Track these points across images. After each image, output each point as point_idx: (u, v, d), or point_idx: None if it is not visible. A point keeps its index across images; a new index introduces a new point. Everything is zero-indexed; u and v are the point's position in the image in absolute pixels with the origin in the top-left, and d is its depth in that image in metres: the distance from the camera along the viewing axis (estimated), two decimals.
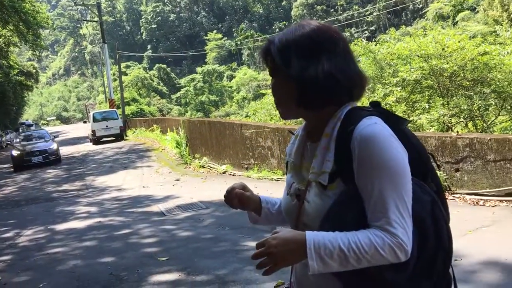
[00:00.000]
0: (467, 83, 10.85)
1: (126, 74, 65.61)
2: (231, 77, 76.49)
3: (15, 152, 18.36)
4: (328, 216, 1.29)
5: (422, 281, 1.31)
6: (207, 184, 10.52)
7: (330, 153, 1.32)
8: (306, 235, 1.23)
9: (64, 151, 24.19)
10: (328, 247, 1.21)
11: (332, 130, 1.34)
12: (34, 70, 54.63)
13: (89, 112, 37.06)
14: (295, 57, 1.33)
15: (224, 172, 11.58)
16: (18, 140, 20.79)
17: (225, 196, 1.57)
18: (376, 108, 1.37)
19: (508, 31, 14.59)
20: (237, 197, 1.53)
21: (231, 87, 71.55)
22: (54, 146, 19.10)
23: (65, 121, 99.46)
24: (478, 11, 44.21)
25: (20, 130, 49.43)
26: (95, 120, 26.09)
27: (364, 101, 1.72)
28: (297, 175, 1.45)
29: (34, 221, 8.72)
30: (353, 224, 1.25)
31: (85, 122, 55.06)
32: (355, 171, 1.27)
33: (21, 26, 29.72)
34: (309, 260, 1.21)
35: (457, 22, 41.79)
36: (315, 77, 1.31)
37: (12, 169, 18.24)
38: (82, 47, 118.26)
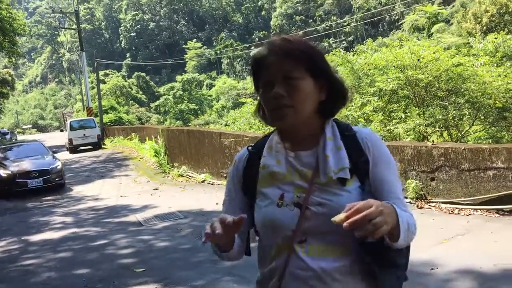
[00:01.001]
0: (442, 93, 11.09)
1: (105, 82, 65.00)
2: (210, 86, 76.48)
3: (2, 172, 13.08)
4: None
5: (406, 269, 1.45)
6: (186, 193, 10.45)
7: (342, 151, 1.41)
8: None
9: None
10: (403, 216, 1.31)
11: (333, 134, 1.44)
12: (10, 78, 53.67)
13: (66, 121, 36.58)
14: (327, 64, 1.45)
15: (203, 181, 11.53)
16: (0, 154, 14.70)
17: (215, 228, 1.30)
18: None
19: (481, 43, 14.94)
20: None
21: (210, 95, 71.52)
22: (57, 164, 13.78)
23: (42, 129, 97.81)
24: (452, 23, 45.24)
25: None
26: (72, 128, 25.74)
27: (342, 111, 1.78)
28: (288, 185, 1.42)
29: (8, 232, 8.52)
30: None
31: (62, 130, 54.33)
32: (371, 164, 1.41)
33: None
34: (401, 224, 1.27)
35: (432, 33, 42.66)
36: (343, 84, 1.47)
37: None
38: (60, 55, 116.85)
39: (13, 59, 33.76)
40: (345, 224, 1.16)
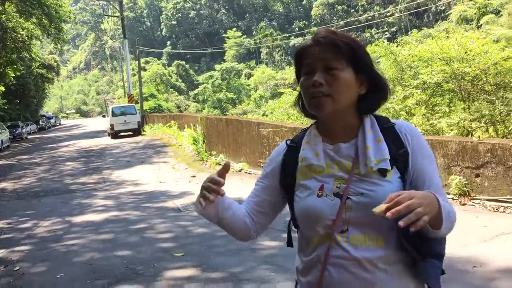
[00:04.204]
0: (489, 87, 10.69)
1: (145, 70, 66.15)
2: (249, 75, 76.58)
3: None
4: None
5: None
6: None
7: (383, 143, 1.43)
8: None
9: (83, 144, 24.52)
10: (445, 207, 1.33)
11: (372, 126, 1.46)
12: (55, 63, 55.40)
13: (108, 107, 37.42)
14: (369, 59, 1.47)
15: (240, 170, 11.59)
16: None
17: (208, 189, 1.43)
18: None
19: None
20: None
21: (249, 85, 71.64)
22: None
23: (84, 114, 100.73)
24: (502, 15, 43.50)
25: (41, 122, 50.17)
26: (114, 114, 26.34)
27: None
28: (327, 177, 1.45)
29: (52, 213, 8.83)
30: None
31: (104, 116, 55.78)
32: (411, 156, 1.43)
33: (44, 20, 30.12)
34: (443, 212, 1.30)
35: (481, 25, 41.16)
36: (385, 80, 1.49)
37: None
38: (103, 42, 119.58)
39: (59, 45, 34.80)
40: (388, 213, 1.19)
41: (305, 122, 12.25)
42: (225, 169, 1.47)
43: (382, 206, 1.21)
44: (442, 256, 1.41)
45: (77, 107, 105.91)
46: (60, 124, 63.30)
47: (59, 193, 11.17)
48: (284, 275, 4.50)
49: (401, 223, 1.19)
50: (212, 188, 1.42)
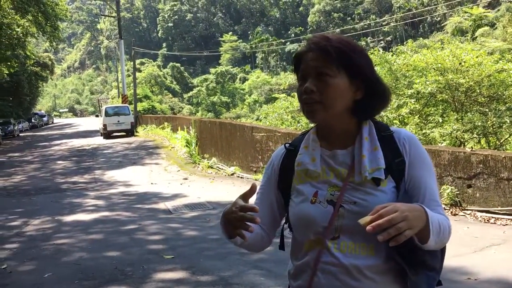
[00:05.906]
0: (483, 99, 10.76)
1: (140, 71, 65.98)
2: (244, 80, 76.69)
3: None
4: None
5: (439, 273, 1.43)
6: (215, 185, 10.52)
7: (379, 152, 1.41)
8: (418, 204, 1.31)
9: (75, 143, 24.38)
10: (434, 218, 1.30)
11: (369, 134, 1.43)
12: (50, 62, 55.09)
13: (101, 106, 37.25)
14: (366, 64, 1.43)
15: (232, 174, 11.57)
16: None
17: (236, 217, 1.34)
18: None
19: None
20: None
21: (243, 89, 71.73)
22: None
23: (77, 113, 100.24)
24: (497, 28, 43.90)
25: (33, 120, 49.93)
26: (107, 114, 26.23)
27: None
28: (322, 183, 1.44)
29: (42, 211, 8.75)
30: None
31: (97, 116, 55.56)
32: (408, 165, 1.41)
33: (39, 17, 29.93)
34: (430, 226, 1.26)
35: (476, 37, 41.47)
36: (383, 85, 1.45)
37: None
38: (99, 42, 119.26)
39: (54, 43, 34.56)
40: (368, 227, 1.18)
41: (299, 128, 12.28)
42: (252, 191, 1.41)
43: (367, 218, 1.20)
44: (435, 268, 1.38)
45: (70, 106, 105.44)
46: (52, 122, 62.98)
47: (49, 192, 11.08)
48: (274, 280, 4.48)
49: (380, 237, 1.18)
50: (247, 217, 1.32)
